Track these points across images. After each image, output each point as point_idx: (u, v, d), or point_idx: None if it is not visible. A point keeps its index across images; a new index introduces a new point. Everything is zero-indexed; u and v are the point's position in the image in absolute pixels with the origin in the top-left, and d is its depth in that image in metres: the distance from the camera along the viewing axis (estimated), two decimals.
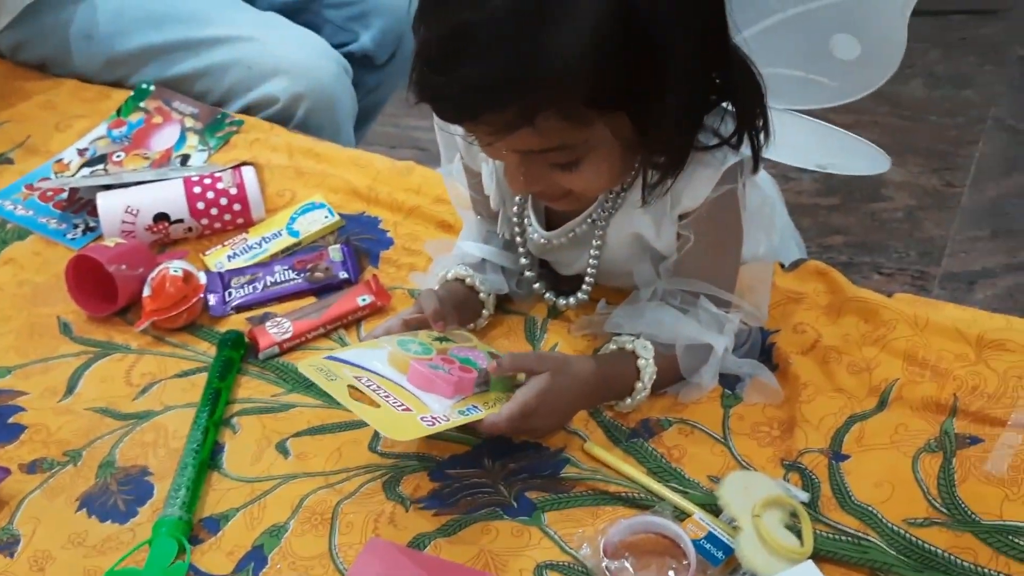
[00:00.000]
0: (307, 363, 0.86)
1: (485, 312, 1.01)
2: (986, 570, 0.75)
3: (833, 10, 0.85)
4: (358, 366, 0.86)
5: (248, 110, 1.41)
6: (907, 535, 0.78)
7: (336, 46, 1.49)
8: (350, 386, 0.82)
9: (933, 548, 0.77)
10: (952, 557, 0.76)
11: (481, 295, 1.00)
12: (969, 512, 0.79)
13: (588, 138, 0.77)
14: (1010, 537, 0.76)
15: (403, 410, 0.81)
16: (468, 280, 1.00)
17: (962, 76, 2.47)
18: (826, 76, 0.88)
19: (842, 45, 0.86)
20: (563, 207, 0.89)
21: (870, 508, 0.80)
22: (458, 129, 0.81)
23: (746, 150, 0.82)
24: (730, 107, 0.82)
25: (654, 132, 0.77)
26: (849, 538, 0.78)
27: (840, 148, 0.96)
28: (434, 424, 0.81)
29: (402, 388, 0.84)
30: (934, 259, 1.96)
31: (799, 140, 0.91)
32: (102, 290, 1.08)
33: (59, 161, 1.36)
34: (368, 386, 0.83)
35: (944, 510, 0.79)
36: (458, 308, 0.98)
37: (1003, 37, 2.62)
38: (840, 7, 0.85)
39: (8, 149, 1.39)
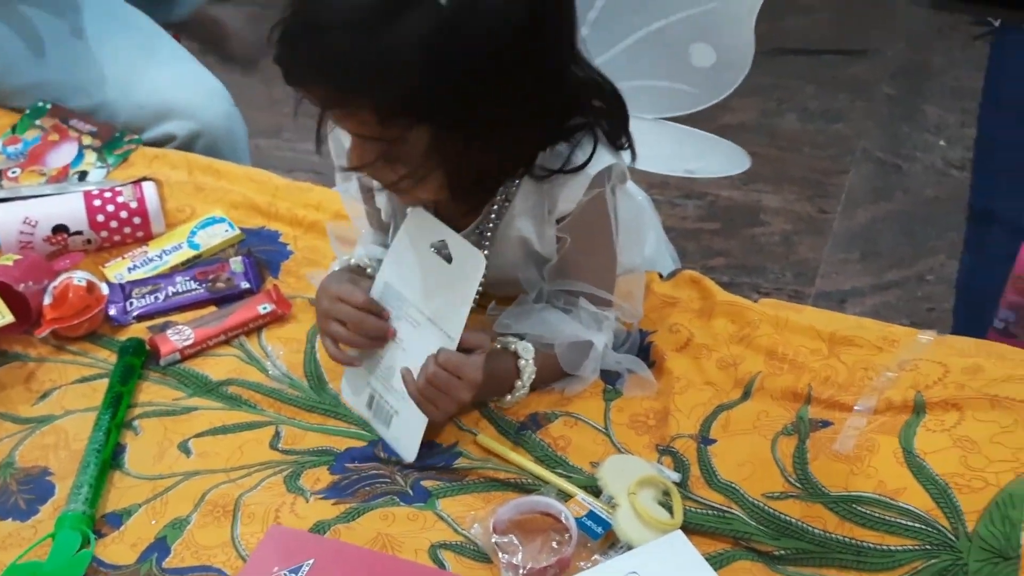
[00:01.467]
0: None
1: None
2: (833, 535, 0.83)
3: (688, 22, 0.95)
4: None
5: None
6: (766, 508, 0.86)
7: None
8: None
9: (788, 518, 0.85)
10: (804, 525, 0.84)
11: None
12: (820, 486, 0.87)
13: (406, 140, 0.81)
14: (853, 506, 0.85)
15: None
16: (369, 271, 1.04)
17: (834, 111, 2.64)
18: (687, 84, 0.97)
19: (698, 54, 0.96)
20: (415, 203, 0.94)
21: (733, 485, 0.88)
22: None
23: (612, 158, 0.90)
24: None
25: (473, 150, 0.83)
26: (715, 512, 0.86)
27: (703, 150, 1.05)
28: None
29: None
30: (808, 280, 2.09)
31: (667, 149, 1.00)
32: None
33: None
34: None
35: (798, 485, 0.88)
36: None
37: (870, 75, 2.82)
38: (694, 19, 0.94)
39: None
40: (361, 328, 0.94)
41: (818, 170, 2.41)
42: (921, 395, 0.91)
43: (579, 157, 0.89)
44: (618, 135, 0.91)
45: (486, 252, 0.98)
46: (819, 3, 3.23)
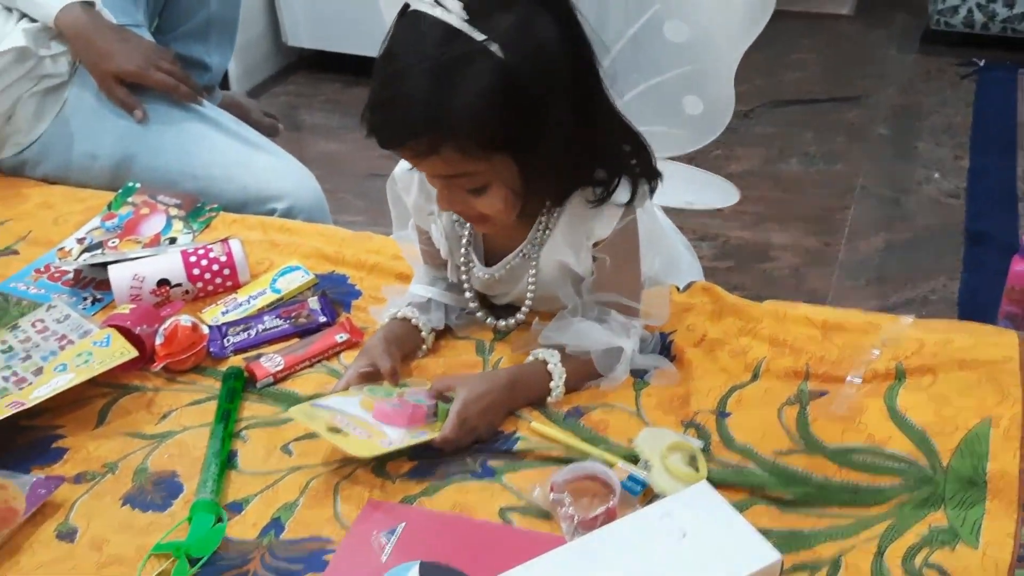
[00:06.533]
0: (295, 409, 1.12)
1: (424, 347, 1.26)
2: (832, 479, 1.01)
3: (681, 78, 1.15)
4: (336, 409, 1.11)
5: None
6: (776, 462, 1.03)
7: None
8: (329, 426, 1.08)
9: (794, 469, 1.02)
10: (809, 474, 1.01)
11: (422, 333, 1.25)
12: (820, 442, 1.04)
13: (486, 170, 1.02)
14: (849, 455, 1.02)
15: (365, 437, 1.07)
16: (413, 320, 1.25)
17: (832, 154, 2.83)
18: (680, 129, 1.18)
19: (690, 104, 1.16)
20: (487, 230, 1.14)
21: (748, 446, 1.06)
22: (411, 200, 1.11)
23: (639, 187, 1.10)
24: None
25: (536, 173, 1.04)
26: (734, 468, 1.03)
27: (700, 184, 1.25)
28: (390, 445, 1.07)
29: (367, 423, 1.09)
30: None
31: (669, 184, 1.20)
32: None
33: (62, 249, 1.58)
34: (341, 422, 1.09)
35: (801, 442, 1.05)
36: (401, 342, 1.23)
37: (864, 119, 3.02)
38: (685, 75, 1.15)
39: (13, 242, 1.60)
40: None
41: (821, 207, 2.58)
42: (901, 364, 1.09)
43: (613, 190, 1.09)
44: (648, 171, 1.10)
45: (533, 270, 1.17)
46: (812, 57, 3.46)
